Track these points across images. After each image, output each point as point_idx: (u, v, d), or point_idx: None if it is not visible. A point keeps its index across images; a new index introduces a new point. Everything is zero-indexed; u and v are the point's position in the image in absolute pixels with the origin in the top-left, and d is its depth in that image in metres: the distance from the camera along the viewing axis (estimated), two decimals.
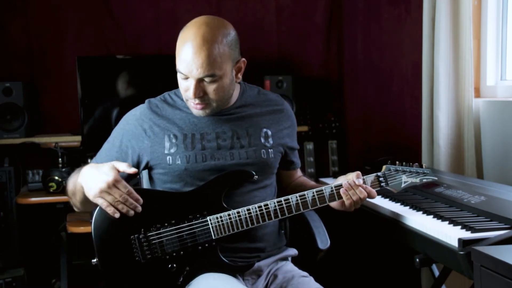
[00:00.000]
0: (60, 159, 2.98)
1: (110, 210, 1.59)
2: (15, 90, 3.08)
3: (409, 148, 3.00)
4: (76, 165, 2.70)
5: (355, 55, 3.57)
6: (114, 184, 1.57)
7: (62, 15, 3.35)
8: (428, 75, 2.61)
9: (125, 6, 3.43)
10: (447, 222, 1.69)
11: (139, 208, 1.62)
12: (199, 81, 1.66)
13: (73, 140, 3.16)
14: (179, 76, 1.70)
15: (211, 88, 1.67)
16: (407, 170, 1.79)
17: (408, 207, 1.92)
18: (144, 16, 3.47)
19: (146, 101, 1.84)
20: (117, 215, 1.60)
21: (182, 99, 1.80)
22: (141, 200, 1.62)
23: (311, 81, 3.64)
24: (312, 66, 3.67)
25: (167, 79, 3.15)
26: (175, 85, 1.89)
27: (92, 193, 1.59)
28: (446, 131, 2.50)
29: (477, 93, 2.55)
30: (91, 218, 1.66)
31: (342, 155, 3.57)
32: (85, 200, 1.66)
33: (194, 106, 1.71)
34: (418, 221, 1.75)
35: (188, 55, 1.63)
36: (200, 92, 1.67)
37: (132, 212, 1.61)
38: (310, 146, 3.43)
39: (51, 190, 2.91)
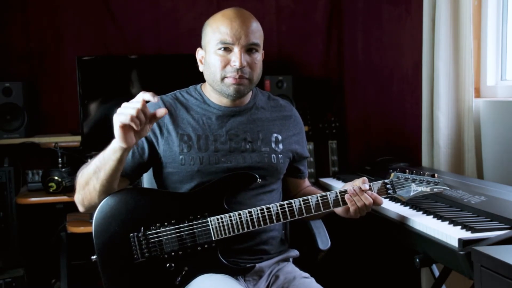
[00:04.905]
0: (60, 159, 2.98)
1: (135, 123, 1.51)
2: (15, 90, 3.08)
3: (409, 148, 2.99)
4: (76, 165, 2.69)
5: (355, 55, 3.57)
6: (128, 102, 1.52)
7: (61, 15, 3.35)
8: (428, 75, 2.61)
9: (125, 6, 3.43)
10: (447, 222, 1.69)
11: (155, 99, 1.55)
12: (245, 50, 1.69)
13: (73, 140, 3.15)
14: (216, 52, 1.70)
15: (252, 60, 1.71)
16: (417, 178, 1.74)
17: (408, 207, 1.91)
18: (144, 16, 3.46)
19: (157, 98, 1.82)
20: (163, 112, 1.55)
21: (195, 98, 1.80)
22: (157, 98, 1.56)
23: (311, 81, 3.64)
24: (312, 66, 3.67)
25: (167, 79, 3.21)
26: (175, 85, 1.89)
27: (114, 124, 1.52)
28: (446, 131, 2.50)
29: (477, 93, 2.55)
30: (91, 219, 1.66)
31: (342, 155, 3.56)
32: (116, 167, 1.58)
33: (234, 80, 1.70)
34: (418, 221, 1.74)
35: (236, 23, 1.68)
36: (245, 61, 1.69)
37: (155, 100, 1.54)
38: (310, 146, 3.43)
39: (51, 190, 2.90)
